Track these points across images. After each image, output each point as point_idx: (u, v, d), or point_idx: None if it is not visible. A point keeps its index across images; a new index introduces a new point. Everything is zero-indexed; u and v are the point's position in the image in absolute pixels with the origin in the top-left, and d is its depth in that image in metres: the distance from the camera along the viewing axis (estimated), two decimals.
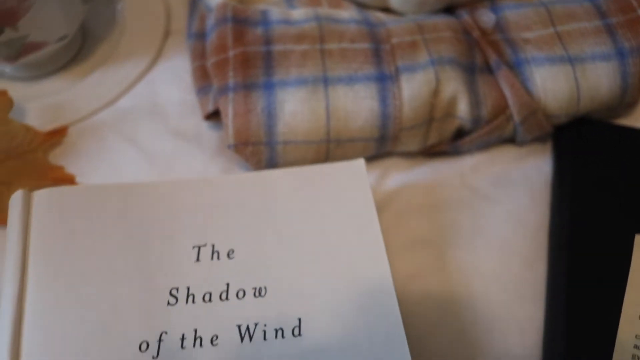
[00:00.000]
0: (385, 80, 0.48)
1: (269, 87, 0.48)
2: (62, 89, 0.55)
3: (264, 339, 0.39)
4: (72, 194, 0.44)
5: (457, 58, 0.49)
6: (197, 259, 0.42)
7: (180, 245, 0.42)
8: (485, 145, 0.52)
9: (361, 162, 0.45)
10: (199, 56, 0.53)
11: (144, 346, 0.38)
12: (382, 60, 0.49)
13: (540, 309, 0.45)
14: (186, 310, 0.40)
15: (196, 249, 0.42)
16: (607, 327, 0.42)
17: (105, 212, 0.43)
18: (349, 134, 0.48)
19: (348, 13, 0.53)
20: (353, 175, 0.45)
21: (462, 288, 0.46)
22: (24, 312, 0.39)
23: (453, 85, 0.48)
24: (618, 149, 0.51)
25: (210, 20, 0.52)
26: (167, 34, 0.60)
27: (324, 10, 0.52)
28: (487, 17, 0.53)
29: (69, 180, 0.50)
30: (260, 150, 0.48)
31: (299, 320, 0.40)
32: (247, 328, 0.39)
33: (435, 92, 0.48)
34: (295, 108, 0.47)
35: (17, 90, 0.53)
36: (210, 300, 0.40)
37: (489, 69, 0.51)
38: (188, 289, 0.40)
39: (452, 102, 0.49)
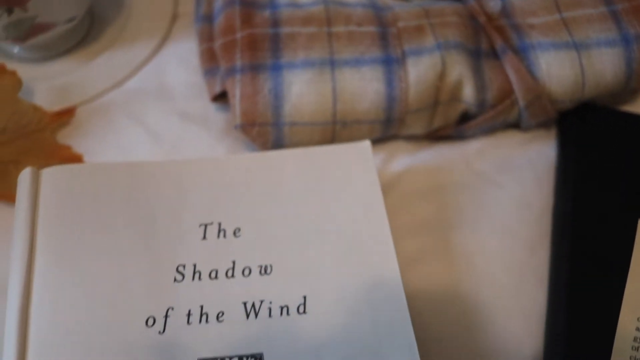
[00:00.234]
0: (391, 63, 0.48)
1: (276, 68, 0.48)
2: (71, 70, 0.56)
3: (269, 315, 0.39)
4: (80, 172, 0.44)
5: (463, 43, 0.50)
6: (204, 237, 0.42)
7: (186, 223, 0.43)
8: (490, 130, 0.52)
9: (367, 143, 0.46)
10: (206, 39, 0.54)
11: (150, 321, 0.39)
12: (389, 43, 0.49)
13: (542, 292, 0.45)
14: (192, 286, 0.40)
15: (203, 227, 0.42)
16: (609, 311, 0.42)
17: (113, 190, 0.43)
18: (355, 115, 0.48)
19: None
20: (359, 157, 0.45)
21: (466, 270, 0.46)
22: (32, 288, 0.39)
23: (459, 69, 0.49)
24: (622, 134, 0.51)
25: (218, 3, 0.52)
26: (174, 17, 0.60)
27: None
28: (493, 3, 0.53)
29: (77, 159, 0.50)
30: (266, 131, 0.48)
31: (304, 298, 0.40)
32: (253, 305, 0.40)
33: (441, 76, 0.48)
34: (302, 90, 0.48)
35: (25, 71, 0.53)
36: (216, 277, 0.41)
37: (494, 54, 0.51)
38: (194, 266, 0.41)
39: (458, 86, 0.49)
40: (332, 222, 0.43)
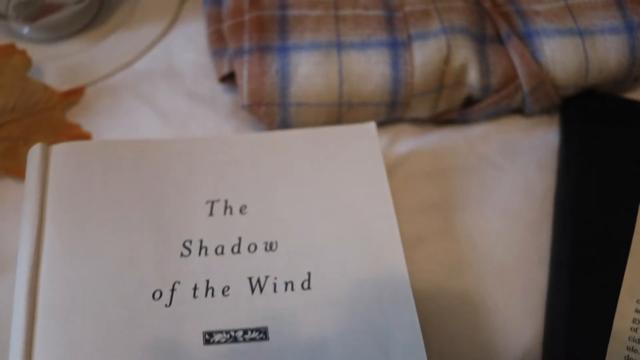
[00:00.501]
0: (397, 46, 0.49)
1: (284, 50, 0.49)
2: (80, 51, 0.56)
3: (274, 291, 0.40)
4: (90, 149, 0.45)
5: (468, 27, 0.50)
6: (211, 214, 0.43)
7: (194, 200, 0.43)
8: (494, 115, 0.53)
9: (372, 124, 0.46)
10: (214, 21, 0.54)
11: (157, 294, 0.39)
12: (395, 27, 0.50)
13: (544, 272, 0.46)
14: (199, 261, 0.41)
15: (209, 204, 0.43)
16: (609, 292, 0.43)
17: (122, 167, 0.44)
18: (361, 97, 0.49)
19: None
20: (364, 137, 0.46)
21: (468, 251, 0.47)
22: (41, 261, 0.40)
23: (464, 54, 0.49)
24: (624, 121, 0.51)
25: None
26: None
27: None
28: None
29: (86, 138, 0.51)
30: (273, 111, 0.49)
31: (309, 274, 0.41)
32: (258, 280, 0.40)
33: (446, 60, 0.49)
34: (309, 71, 0.48)
35: (35, 52, 0.54)
36: (222, 253, 0.41)
37: (499, 39, 0.51)
38: (201, 241, 0.42)
39: (463, 70, 0.50)
40: (337, 201, 0.43)
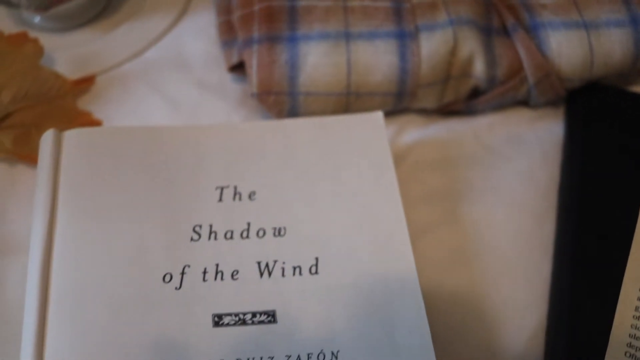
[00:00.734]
0: (404, 37, 0.50)
1: (293, 40, 0.50)
2: (91, 40, 0.57)
3: (282, 275, 0.41)
4: (102, 134, 0.46)
5: (474, 19, 0.51)
6: (220, 199, 0.43)
7: (203, 185, 0.44)
8: (500, 106, 0.53)
9: (379, 114, 0.47)
10: (224, 11, 0.55)
11: (167, 278, 0.40)
12: (403, 18, 0.50)
13: (547, 262, 0.46)
14: (208, 246, 0.41)
15: (219, 190, 0.44)
16: (612, 280, 0.43)
17: (133, 153, 0.44)
18: (368, 87, 0.50)
19: None
20: (371, 126, 0.47)
21: (473, 240, 0.47)
22: (54, 245, 0.40)
23: (470, 45, 0.50)
24: (629, 114, 0.52)
25: None
26: None
27: None
28: None
29: (96, 125, 0.51)
30: (282, 100, 0.49)
31: (316, 259, 0.41)
32: (267, 265, 0.41)
33: (453, 51, 0.50)
34: (318, 61, 0.49)
35: (46, 41, 0.54)
36: (231, 237, 0.42)
37: (505, 32, 0.52)
38: (210, 226, 0.42)
39: (469, 62, 0.50)
40: (345, 189, 0.44)
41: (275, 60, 0.49)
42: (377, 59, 0.49)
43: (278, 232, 0.42)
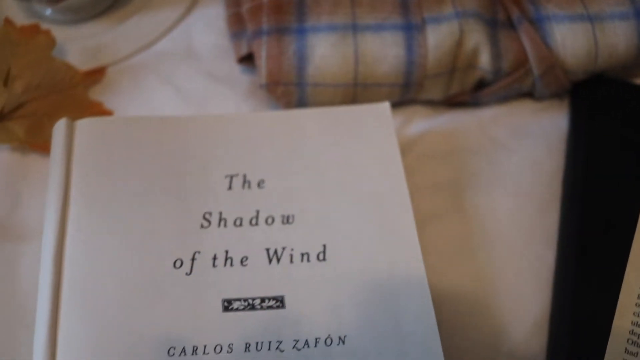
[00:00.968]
0: (411, 29, 0.50)
1: (301, 32, 0.50)
2: (101, 32, 0.58)
3: (291, 261, 0.41)
4: (113, 124, 0.46)
5: (480, 12, 0.51)
6: (229, 187, 0.44)
7: (213, 174, 0.44)
8: (505, 98, 0.54)
9: (386, 104, 0.48)
10: (233, 4, 0.56)
11: (178, 263, 0.41)
12: (409, 11, 0.51)
13: (551, 251, 0.47)
14: (218, 233, 0.42)
15: (228, 178, 0.44)
16: (615, 270, 0.43)
17: (144, 142, 0.45)
18: (376, 78, 0.50)
19: None
20: (378, 117, 0.47)
21: (478, 229, 0.48)
22: (66, 232, 0.41)
23: (476, 38, 0.50)
24: (633, 106, 0.52)
25: None
26: None
27: None
28: None
29: (108, 115, 0.52)
30: (290, 91, 0.50)
31: (324, 246, 0.42)
32: (275, 251, 0.42)
33: (459, 43, 0.50)
34: (326, 52, 0.50)
35: (57, 33, 0.55)
36: (241, 225, 0.43)
37: (510, 24, 0.52)
38: (220, 214, 0.43)
39: (475, 53, 0.51)
40: (352, 178, 0.45)
41: (284, 52, 0.50)
42: (384, 51, 0.50)
43: (286, 220, 0.43)
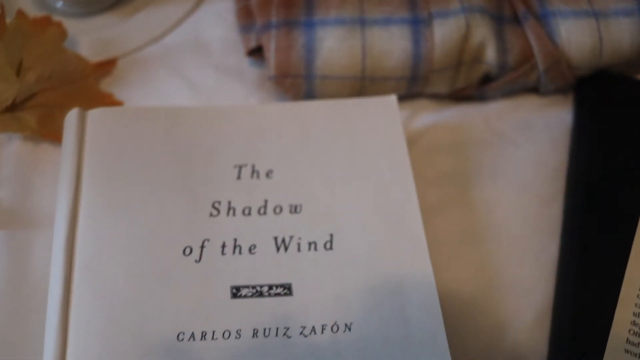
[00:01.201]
0: (418, 23, 0.51)
1: (310, 25, 0.51)
2: (111, 25, 0.58)
3: (298, 250, 0.42)
4: (124, 114, 0.47)
5: (486, 7, 0.52)
6: (238, 177, 0.45)
7: (222, 164, 0.45)
8: (510, 93, 0.55)
9: (393, 97, 0.48)
10: None
11: (187, 251, 0.41)
12: (417, 6, 0.52)
13: (555, 243, 0.47)
14: (227, 221, 0.43)
15: (237, 168, 0.45)
16: (617, 261, 0.44)
17: (155, 132, 0.46)
18: (383, 72, 0.51)
19: None
20: (385, 109, 0.48)
21: (483, 221, 0.48)
22: (78, 219, 0.42)
23: (482, 32, 0.51)
24: (637, 102, 0.53)
25: None
26: None
27: None
28: None
29: (118, 106, 0.53)
30: (299, 83, 0.51)
31: (331, 235, 0.43)
32: (283, 240, 0.42)
33: (465, 38, 0.51)
34: (334, 45, 0.50)
35: (68, 25, 0.55)
36: (249, 213, 0.43)
37: (516, 20, 0.53)
38: (229, 202, 0.44)
39: (481, 48, 0.51)
40: (359, 169, 0.45)
41: (293, 45, 0.50)
42: (392, 45, 0.50)
43: (294, 209, 0.44)
